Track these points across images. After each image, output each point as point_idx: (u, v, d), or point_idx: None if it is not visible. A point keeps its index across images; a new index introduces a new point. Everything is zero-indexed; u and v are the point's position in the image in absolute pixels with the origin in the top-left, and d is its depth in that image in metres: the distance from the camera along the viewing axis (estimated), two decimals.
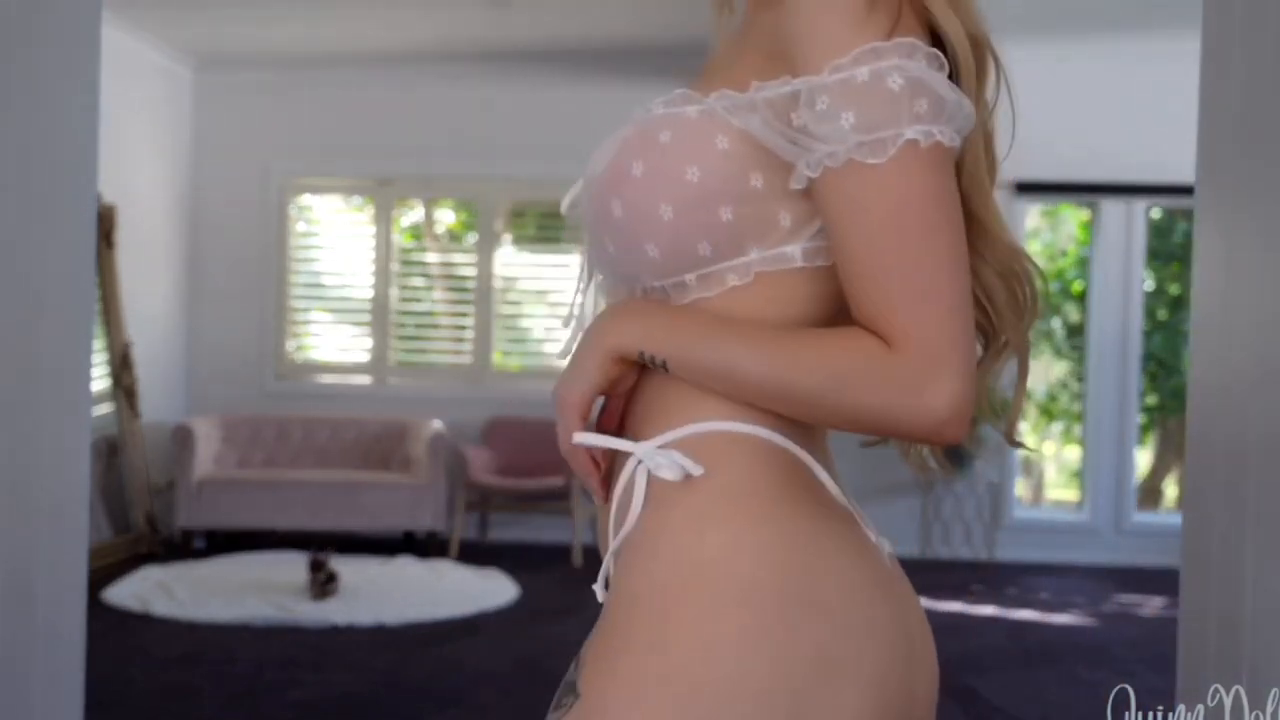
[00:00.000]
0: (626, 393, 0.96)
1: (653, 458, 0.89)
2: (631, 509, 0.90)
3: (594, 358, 0.92)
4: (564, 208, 1.01)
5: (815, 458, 0.92)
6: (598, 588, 0.95)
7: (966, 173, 0.94)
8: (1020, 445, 1.04)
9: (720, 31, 1.06)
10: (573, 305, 1.02)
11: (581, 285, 1.02)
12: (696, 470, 0.88)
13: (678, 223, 0.89)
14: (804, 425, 0.92)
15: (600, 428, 0.96)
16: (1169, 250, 7.65)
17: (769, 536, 0.86)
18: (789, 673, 0.83)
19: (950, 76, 0.88)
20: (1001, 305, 0.97)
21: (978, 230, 0.95)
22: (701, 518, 0.87)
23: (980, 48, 0.93)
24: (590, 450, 0.94)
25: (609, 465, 0.96)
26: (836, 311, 0.92)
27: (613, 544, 0.92)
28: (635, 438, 0.93)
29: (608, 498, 0.95)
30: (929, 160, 0.84)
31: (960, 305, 0.84)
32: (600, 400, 0.95)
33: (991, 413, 1.04)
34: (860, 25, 0.85)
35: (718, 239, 0.89)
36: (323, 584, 5.18)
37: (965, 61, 0.90)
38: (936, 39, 0.90)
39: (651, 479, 0.90)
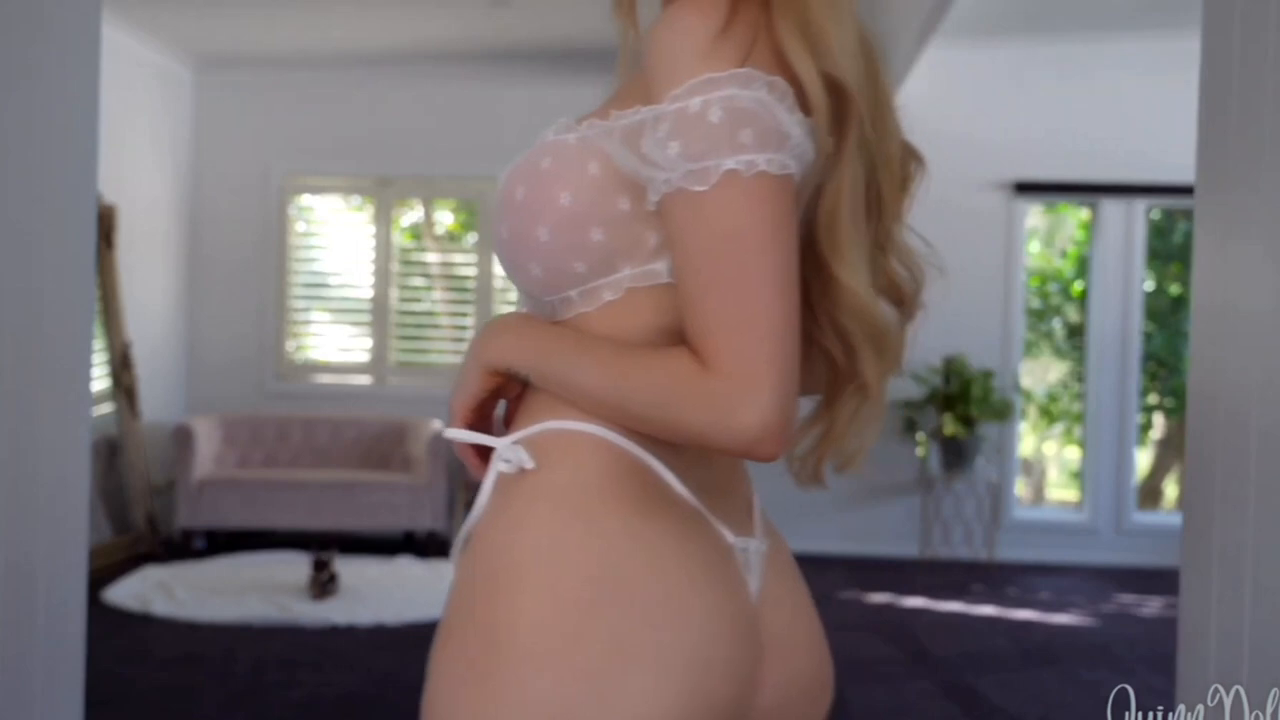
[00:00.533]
0: (519, 395, 1.04)
1: (504, 453, 0.97)
2: (478, 499, 0.98)
3: (473, 370, 1.02)
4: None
5: (664, 457, 0.97)
6: (451, 561, 1.02)
7: (824, 208, 0.97)
8: (849, 471, 1.07)
9: (623, 60, 1.12)
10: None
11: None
12: (530, 464, 0.95)
13: (553, 244, 0.96)
14: None
15: (507, 424, 1.05)
16: (1169, 250, 7.66)
17: (578, 532, 0.92)
18: (584, 657, 0.88)
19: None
20: (858, 344, 1.00)
21: (831, 282, 0.98)
22: (517, 515, 0.94)
23: (837, 90, 0.95)
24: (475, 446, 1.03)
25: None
26: None
27: (460, 531, 1.00)
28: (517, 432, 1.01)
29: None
30: (752, 189, 0.88)
31: (777, 331, 0.87)
32: (504, 402, 1.05)
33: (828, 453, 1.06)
34: (704, 56, 0.89)
35: (591, 258, 0.96)
36: (324, 584, 5.18)
37: (816, 100, 0.93)
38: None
39: (498, 473, 0.97)
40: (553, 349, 0.97)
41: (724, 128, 0.88)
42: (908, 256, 1.08)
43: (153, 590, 5.28)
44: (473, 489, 6.49)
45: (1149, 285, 7.38)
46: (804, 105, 0.93)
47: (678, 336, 0.95)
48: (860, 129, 0.97)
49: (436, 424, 6.58)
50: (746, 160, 0.88)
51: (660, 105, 0.91)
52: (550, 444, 0.96)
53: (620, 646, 0.89)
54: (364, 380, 7.26)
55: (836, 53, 0.94)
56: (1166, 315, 7.63)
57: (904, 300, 1.09)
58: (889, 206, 1.05)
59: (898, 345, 1.03)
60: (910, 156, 1.07)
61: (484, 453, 1.03)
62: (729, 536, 0.99)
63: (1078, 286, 7.57)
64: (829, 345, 1.02)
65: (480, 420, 1.04)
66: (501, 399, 1.05)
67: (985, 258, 6.78)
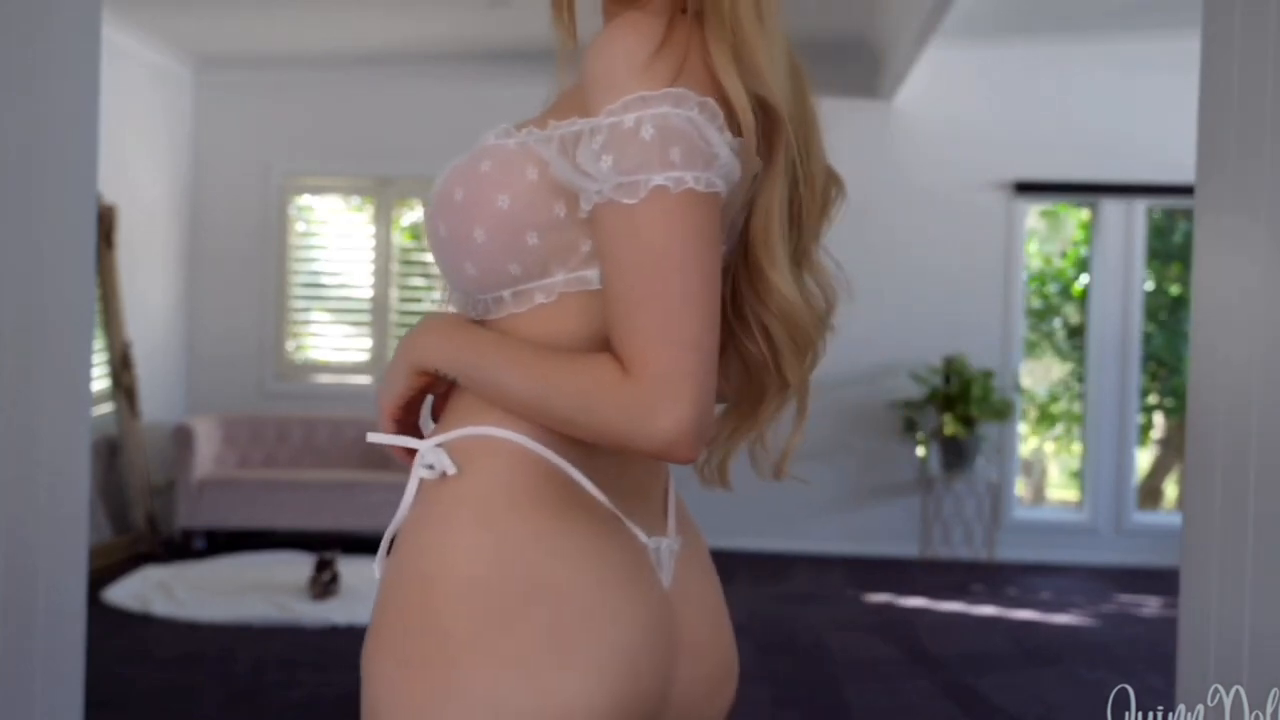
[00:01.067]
0: (445, 392, 1.07)
1: (426, 457, 0.99)
2: (402, 503, 1.01)
3: (400, 369, 1.04)
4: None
5: (580, 463, 1.00)
6: (375, 563, 1.05)
7: (756, 229, 1.02)
8: (784, 478, 1.12)
9: (560, 68, 1.18)
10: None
11: (444, 293, 1.13)
12: (452, 470, 0.98)
13: (489, 245, 0.99)
14: (581, 440, 0.99)
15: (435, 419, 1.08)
16: (1169, 250, 7.66)
17: (495, 539, 0.95)
18: (515, 656, 0.92)
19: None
20: (783, 347, 1.05)
21: (761, 282, 1.03)
22: (440, 519, 0.97)
23: (768, 110, 0.99)
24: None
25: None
26: None
27: (386, 534, 1.03)
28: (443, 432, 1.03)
29: None
30: (679, 204, 0.91)
31: (696, 340, 0.91)
32: (430, 397, 1.09)
33: (759, 449, 1.11)
34: (639, 74, 0.93)
35: (526, 261, 0.99)
36: (324, 584, 5.18)
37: (746, 120, 0.96)
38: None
39: (420, 476, 1.00)
40: (479, 351, 0.99)
41: (655, 145, 0.91)
42: (822, 276, 1.12)
43: (153, 590, 5.28)
44: None
45: (1149, 285, 7.38)
46: (733, 126, 0.96)
47: (603, 342, 0.98)
48: (788, 147, 1.01)
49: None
50: (675, 177, 0.91)
51: (596, 119, 0.94)
52: (471, 449, 0.99)
53: (553, 641, 0.92)
54: (364, 380, 7.26)
55: (766, 74, 0.98)
56: (1166, 315, 7.63)
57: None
58: (808, 226, 1.09)
59: (817, 349, 1.08)
60: (832, 181, 1.12)
61: (412, 451, 1.05)
62: (642, 537, 1.03)
63: (1078, 286, 7.56)
64: (752, 348, 1.06)
65: (408, 417, 1.07)
66: (429, 395, 1.08)
67: (985, 258, 6.78)
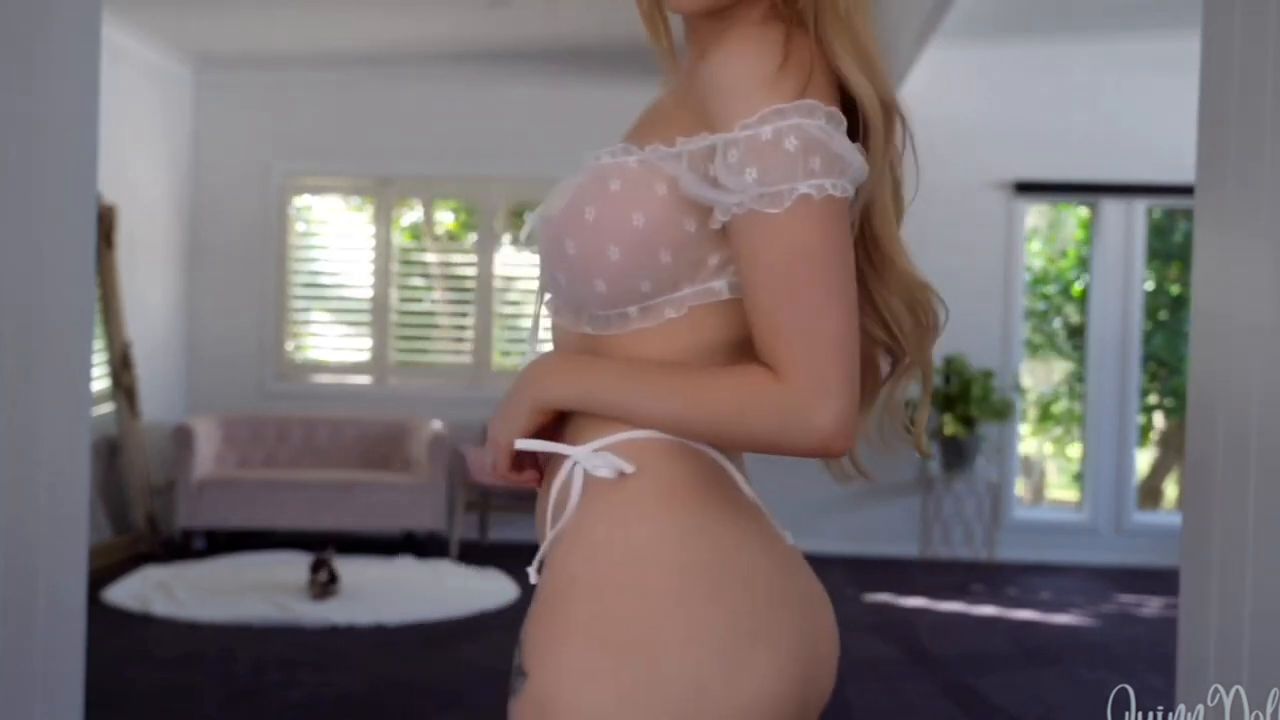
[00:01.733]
0: (554, 421, 1.10)
1: (589, 459, 1.02)
2: (569, 503, 1.03)
3: (523, 407, 1.07)
4: (523, 238, 1.14)
5: (730, 460, 1.05)
6: (531, 570, 1.08)
7: (877, 216, 1.07)
8: (925, 455, 1.23)
9: (664, 82, 1.19)
10: (535, 321, 1.18)
11: (539, 305, 1.16)
12: (629, 468, 1.01)
13: (624, 263, 1.01)
14: None
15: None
16: (1169, 250, 7.66)
17: (690, 527, 0.99)
18: (715, 637, 0.96)
19: (858, 130, 1.02)
20: (906, 328, 1.11)
21: (885, 264, 1.09)
22: (630, 512, 1.00)
23: (888, 110, 1.04)
24: (534, 456, 1.11)
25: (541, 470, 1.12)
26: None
27: (550, 534, 1.05)
28: (569, 443, 1.07)
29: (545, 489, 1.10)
30: (821, 211, 0.95)
31: (842, 337, 0.96)
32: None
33: (902, 429, 1.17)
34: (770, 87, 0.96)
35: (657, 278, 1.02)
36: (324, 584, 5.18)
37: (875, 121, 1.02)
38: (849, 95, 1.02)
39: (587, 477, 1.02)
40: (609, 384, 1.03)
41: (798, 155, 0.95)
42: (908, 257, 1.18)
43: (153, 590, 5.27)
44: (473, 489, 6.50)
45: (1149, 285, 7.37)
46: (852, 129, 1.00)
47: (731, 353, 1.03)
48: (902, 139, 1.07)
49: (436, 424, 6.58)
50: (817, 185, 0.95)
51: (731, 133, 0.96)
52: (635, 450, 1.02)
53: (744, 629, 0.97)
54: (364, 380, 7.26)
55: (883, 72, 1.04)
56: (1166, 315, 7.63)
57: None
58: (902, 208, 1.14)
59: (937, 318, 1.14)
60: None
61: (521, 466, 1.11)
62: (777, 528, 1.09)
63: (1078, 287, 7.56)
64: (877, 331, 1.12)
65: (507, 461, 1.11)
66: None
67: (985, 258, 6.78)
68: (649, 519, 1.00)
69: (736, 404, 0.97)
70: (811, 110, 0.96)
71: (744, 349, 1.03)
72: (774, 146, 0.95)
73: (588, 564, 1.00)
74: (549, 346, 1.15)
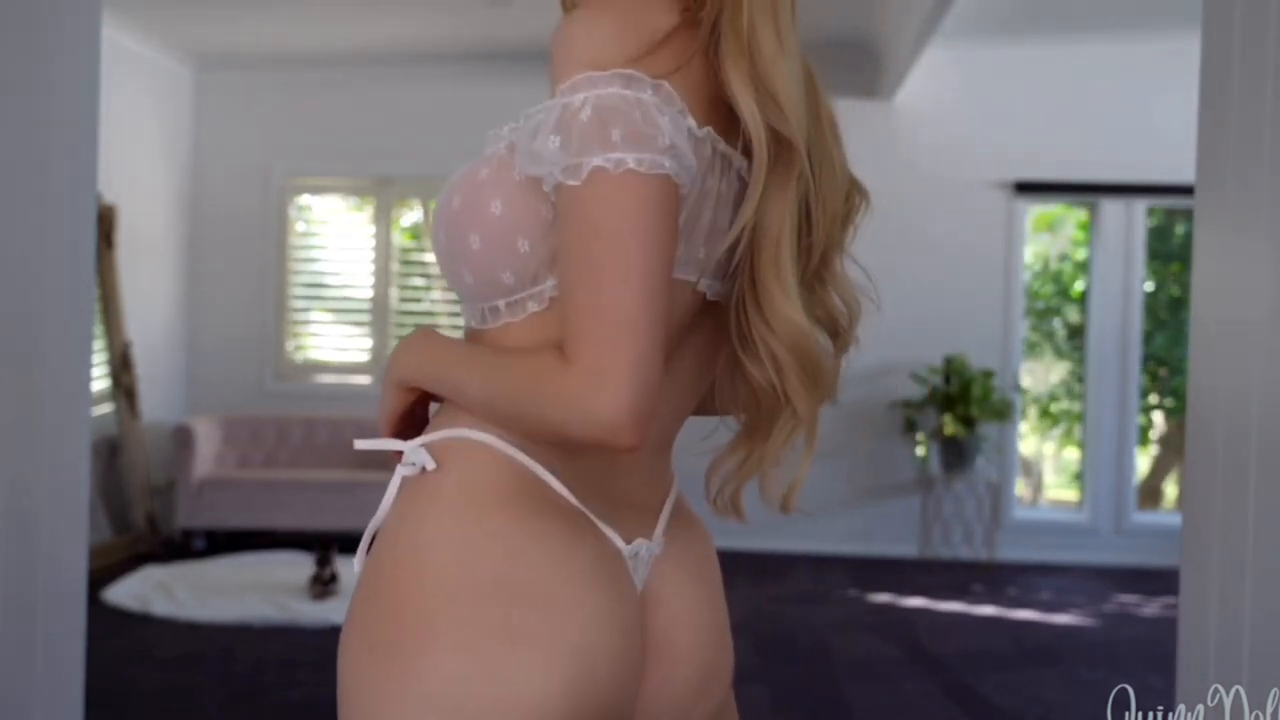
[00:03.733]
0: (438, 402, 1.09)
1: (409, 456, 1.01)
2: (384, 500, 1.03)
3: (387, 387, 1.08)
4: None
5: (554, 466, 1.00)
6: (355, 562, 1.07)
7: (764, 248, 1.00)
8: (791, 512, 1.11)
9: None
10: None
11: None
12: (431, 465, 0.99)
13: (484, 251, 0.99)
14: (561, 445, 0.99)
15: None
16: (1169, 250, 7.65)
17: (474, 531, 0.97)
18: (479, 641, 0.93)
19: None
20: (791, 377, 1.03)
21: (766, 302, 1.01)
22: (422, 510, 0.99)
23: (781, 143, 0.99)
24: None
25: None
26: None
27: (367, 531, 1.05)
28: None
29: None
30: (621, 186, 0.89)
31: (632, 321, 0.89)
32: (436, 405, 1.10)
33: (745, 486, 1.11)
34: (590, 54, 0.92)
35: (519, 269, 0.98)
36: (324, 584, 5.18)
37: (759, 150, 0.97)
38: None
39: (403, 475, 1.02)
40: (446, 363, 1.02)
41: (594, 125, 0.90)
42: (845, 289, 1.11)
43: (153, 590, 5.27)
44: None
45: (1149, 285, 7.37)
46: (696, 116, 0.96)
47: None
48: (801, 176, 1.01)
49: None
50: (615, 159, 0.90)
51: (551, 100, 0.94)
52: (451, 450, 1.00)
53: (510, 631, 0.94)
54: (364, 380, 7.26)
55: (785, 104, 0.97)
56: (1166, 315, 7.63)
57: (839, 332, 1.12)
58: (833, 238, 1.09)
59: (831, 376, 1.07)
60: (854, 189, 1.11)
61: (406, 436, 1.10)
62: (618, 541, 1.04)
63: (1078, 287, 7.56)
64: (760, 376, 1.03)
65: (407, 431, 1.10)
66: (433, 404, 1.11)
67: (985, 258, 6.78)
68: (435, 519, 0.98)
69: (530, 388, 0.94)
70: (631, 80, 0.91)
71: None
72: (575, 115, 0.91)
73: (376, 560, 1.00)
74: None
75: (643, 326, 0.90)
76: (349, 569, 5.63)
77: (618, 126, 0.90)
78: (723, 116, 1.00)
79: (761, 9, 0.98)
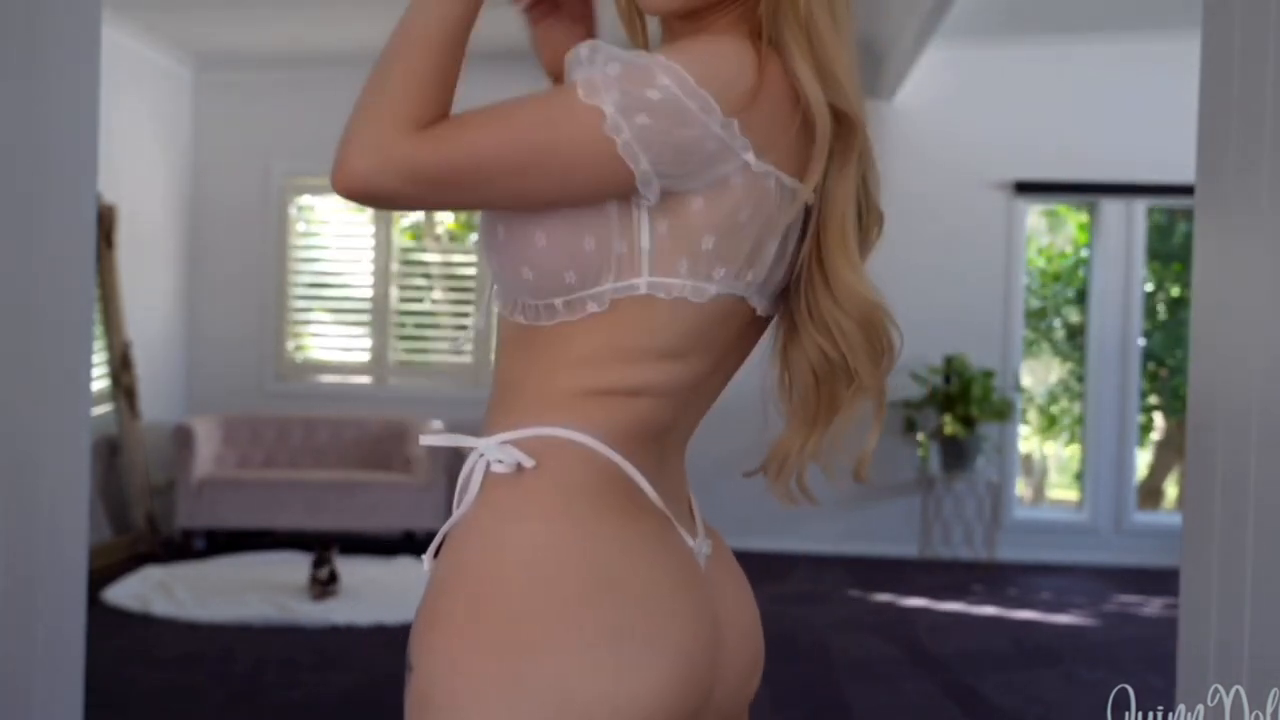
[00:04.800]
0: (496, 399, 1.09)
1: (492, 452, 1.01)
2: (467, 495, 1.03)
3: None
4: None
5: (641, 467, 1.03)
6: (426, 558, 1.06)
7: (830, 230, 1.05)
8: (863, 480, 1.13)
9: None
10: (484, 310, 1.15)
11: (489, 292, 1.14)
12: (529, 462, 1.00)
13: (550, 248, 1.00)
14: (638, 441, 1.03)
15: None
16: (1169, 250, 7.66)
17: (575, 529, 0.98)
18: (583, 639, 0.95)
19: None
20: (858, 350, 1.07)
21: (834, 278, 1.06)
22: (520, 508, 1.00)
23: (843, 120, 1.03)
24: None
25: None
26: (684, 339, 1.02)
27: (445, 525, 1.04)
28: (483, 435, 1.06)
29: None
30: (569, 100, 0.96)
31: (470, 144, 0.96)
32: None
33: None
34: (709, 78, 0.96)
35: (582, 268, 0.99)
36: (324, 584, 5.18)
37: (822, 127, 1.01)
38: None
39: (488, 472, 1.02)
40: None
41: (638, 80, 0.95)
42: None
43: (153, 590, 5.27)
44: None
45: (1149, 285, 7.37)
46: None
47: (656, 356, 1.02)
48: (862, 153, 1.06)
49: (436, 424, 6.58)
50: (602, 99, 0.94)
51: (650, 52, 0.98)
52: (539, 448, 1.01)
53: (618, 633, 0.96)
54: (364, 380, 7.26)
55: (845, 83, 1.02)
56: (1166, 315, 7.63)
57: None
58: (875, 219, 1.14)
59: (891, 342, 1.09)
60: (874, 218, 1.15)
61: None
62: (689, 540, 1.07)
63: (1078, 287, 7.56)
64: (830, 348, 1.07)
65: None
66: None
67: (985, 258, 6.78)
68: (536, 517, 0.99)
69: (385, 82, 1.02)
70: (705, 104, 0.95)
71: (668, 357, 1.02)
72: (646, 73, 0.95)
73: (472, 557, 0.99)
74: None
75: (463, 160, 0.95)
76: (349, 569, 5.63)
77: (646, 112, 0.94)
78: (795, 145, 1.03)
79: None
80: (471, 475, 1.03)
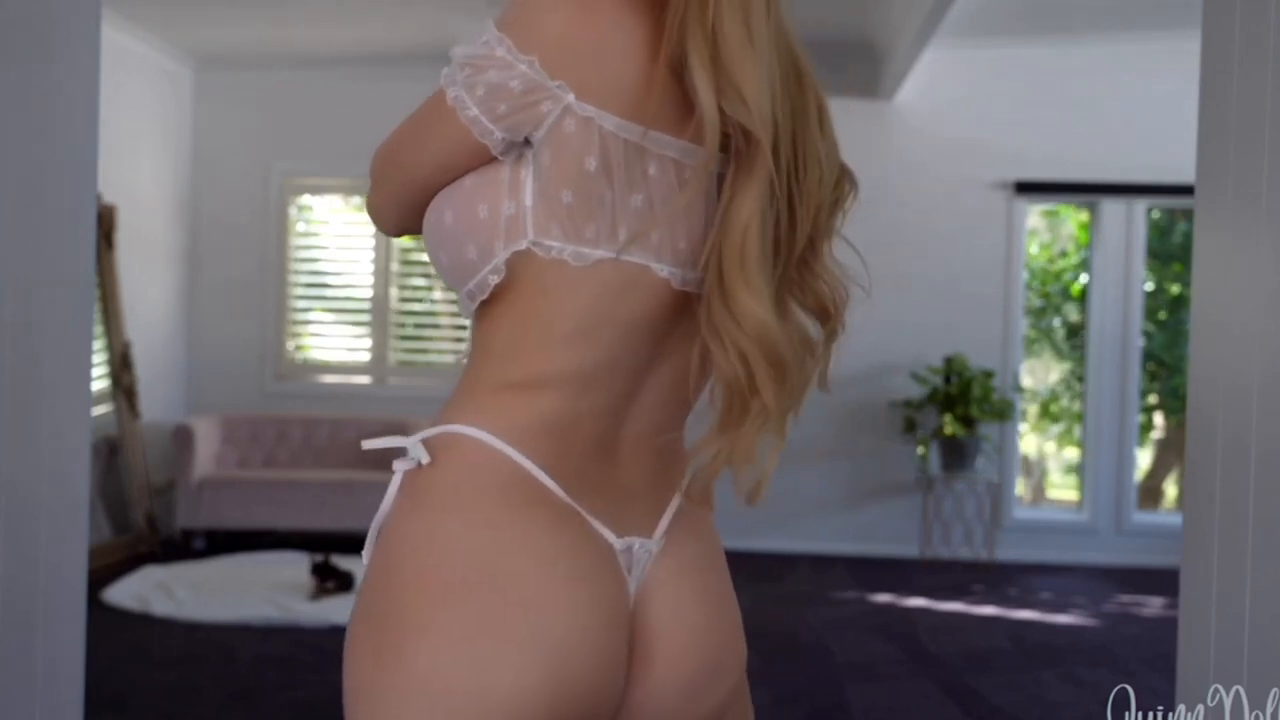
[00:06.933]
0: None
1: (409, 449, 1.04)
2: (387, 493, 1.06)
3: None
4: None
5: (546, 463, 1.02)
6: (364, 554, 1.08)
7: (729, 241, 1.00)
8: (756, 504, 1.06)
9: None
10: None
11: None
12: (426, 459, 1.03)
13: (454, 224, 1.02)
14: (546, 435, 1.02)
15: None
16: (1169, 250, 7.66)
17: (456, 524, 1.00)
18: (460, 632, 0.96)
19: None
20: (759, 371, 1.01)
21: (733, 300, 1.00)
22: (416, 506, 1.02)
23: (750, 140, 0.98)
24: None
25: None
26: (585, 313, 1.00)
27: (372, 526, 1.07)
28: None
29: None
30: (440, 99, 1.03)
31: (388, 150, 1.10)
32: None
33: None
34: (528, 31, 0.98)
35: (480, 239, 1.00)
36: (324, 584, 5.18)
37: (710, 136, 0.97)
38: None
39: (403, 470, 1.05)
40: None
41: (463, 63, 1.01)
42: (832, 276, 1.10)
43: (153, 590, 5.27)
44: None
45: (1149, 285, 7.37)
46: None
47: (569, 337, 1.00)
48: (768, 170, 0.99)
49: None
50: (451, 84, 1.02)
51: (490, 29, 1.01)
52: (446, 445, 1.03)
53: (491, 625, 0.97)
54: (364, 380, 7.26)
55: (750, 99, 0.97)
56: (1166, 315, 7.63)
57: (828, 318, 1.11)
58: (820, 226, 1.08)
59: (799, 377, 1.05)
60: (844, 177, 1.10)
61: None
62: (610, 537, 1.05)
63: (1078, 287, 7.56)
64: (728, 367, 1.01)
65: None
66: None
67: (985, 258, 6.78)
68: (428, 510, 1.01)
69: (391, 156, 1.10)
70: (506, 46, 0.98)
71: (574, 336, 1.00)
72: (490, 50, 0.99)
73: (377, 552, 1.03)
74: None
75: (391, 165, 1.10)
76: (350, 568, 5.63)
77: (469, 68, 1.00)
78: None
79: (730, 3, 0.97)
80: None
